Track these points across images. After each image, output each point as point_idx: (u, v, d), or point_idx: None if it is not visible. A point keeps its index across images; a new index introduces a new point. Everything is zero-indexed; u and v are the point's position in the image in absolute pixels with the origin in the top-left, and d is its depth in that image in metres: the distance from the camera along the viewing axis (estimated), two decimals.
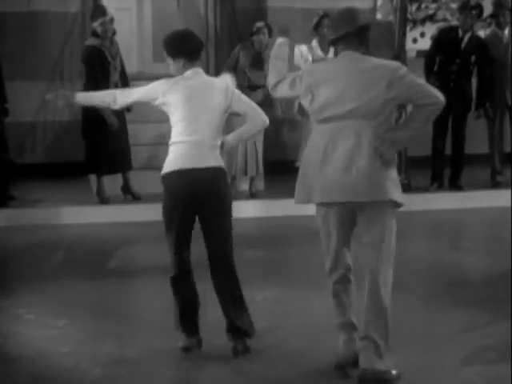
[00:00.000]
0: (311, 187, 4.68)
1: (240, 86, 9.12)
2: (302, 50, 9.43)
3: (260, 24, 9.10)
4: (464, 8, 9.74)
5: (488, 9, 10.83)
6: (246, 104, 5.17)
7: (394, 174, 4.66)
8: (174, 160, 5.01)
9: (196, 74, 5.11)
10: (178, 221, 5.00)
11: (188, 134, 4.99)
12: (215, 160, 5.05)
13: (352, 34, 4.73)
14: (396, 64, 4.78)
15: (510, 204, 9.14)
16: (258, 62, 9.10)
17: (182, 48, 5.10)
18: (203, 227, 5.09)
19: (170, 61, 5.15)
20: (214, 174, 5.03)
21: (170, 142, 5.08)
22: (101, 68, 8.68)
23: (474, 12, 9.60)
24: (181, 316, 5.15)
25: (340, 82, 4.68)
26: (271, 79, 4.92)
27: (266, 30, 9.04)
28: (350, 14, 4.82)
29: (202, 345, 5.16)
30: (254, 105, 5.21)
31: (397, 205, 4.71)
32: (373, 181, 4.56)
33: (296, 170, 4.98)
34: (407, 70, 4.69)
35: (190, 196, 4.96)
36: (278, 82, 4.88)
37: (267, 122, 5.20)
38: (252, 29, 9.14)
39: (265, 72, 9.08)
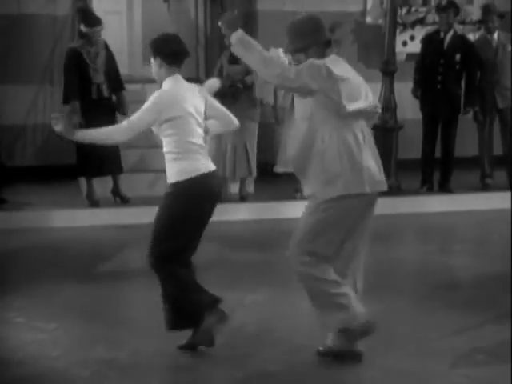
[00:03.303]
0: (357, 177, 4.85)
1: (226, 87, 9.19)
2: (278, 53, 9.43)
3: None
4: (439, 9, 9.85)
5: (477, 13, 10.87)
6: (218, 108, 5.29)
7: None
8: (196, 165, 5.04)
9: (176, 82, 5.12)
10: (194, 225, 5.14)
11: (193, 140, 5.07)
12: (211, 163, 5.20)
13: (326, 41, 4.94)
14: None
15: (499, 206, 9.19)
16: (234, 58, 9.11)
17: (164, 48, 5.10)
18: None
19: (151, 61, 5.17)
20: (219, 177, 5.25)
21: (177, 151, 5.06)
22: (78, 70, 8.68)
23: (448, 11, 9.65)
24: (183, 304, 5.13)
25: (356, 79, 4.88)
26: (275, 74, 4.79)
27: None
28: (318, 22, 4.96)
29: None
30: (225, 109, 5.33)
31: None
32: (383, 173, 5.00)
33: (278, 174, 5.10)
34: None
35: (214, 198, 5.15)
36: (289, 71, 4.79)
37: (237, 125, 5.36)
38: None
39: (242, 66, 9.01)
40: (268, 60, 4.83)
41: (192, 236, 5.12)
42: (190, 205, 5.02)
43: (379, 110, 5.12)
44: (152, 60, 5.15)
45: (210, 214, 5.15)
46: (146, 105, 5.04)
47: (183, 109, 5.02)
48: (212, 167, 5.14)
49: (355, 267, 5.04)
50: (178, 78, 5.15)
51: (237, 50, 4.90)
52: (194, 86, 5.24)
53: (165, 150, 5.10)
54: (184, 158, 5.03)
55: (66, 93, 8.79)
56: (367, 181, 4.87)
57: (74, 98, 8.69)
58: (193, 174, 5.02)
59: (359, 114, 4.84)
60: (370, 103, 4.91)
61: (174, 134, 5.03)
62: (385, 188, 5.04)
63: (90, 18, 8.82)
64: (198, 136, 5.09)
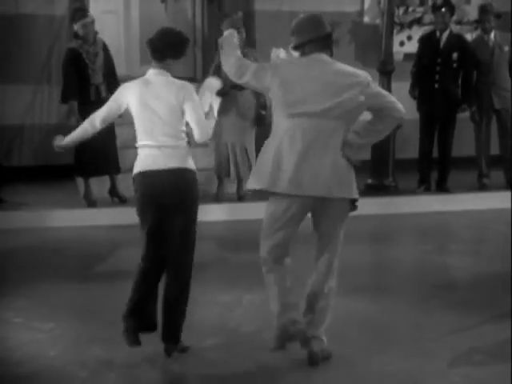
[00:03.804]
0: (279, 176, 4.85)
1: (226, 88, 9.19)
2: (279, 53, 9.44)
3: None
4: (434, 8, 9.87)
5: (474, 12, 10.88)
6: (192, 114, 5.09)
7: (354, 174, 5.00)
8: (139, 162, 5.14)
9: (156, 76, 5.10)
10: (147, 221, 5.12)
11: (148, 136, 5.08)
12: (178, 161, 5.05)
13: (321, 38, 4.96)
14: (365, 73, 5.01)
15: (497, 206, 9.20)
16: None
17: (150, 40, 5.11)
18: (165, 230, 5.11)
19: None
20: (177, 175, 5.04)
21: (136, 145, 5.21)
22: (77, 70, 8.68)
23: (443, 10, 9.65)
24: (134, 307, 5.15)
25: (316, 81, 4.89)
26: (230, 65, 5.01)
27: (243, 30, 9.13)
28: (317, 20, 5.04)
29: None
30: (202, 118, 5.13)
31: (354, 203, 5.03)
32: (342, 180, 4.90)
33: None
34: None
35: (154, 197, 5.06)
36: (241, 67, 4.99)
37: (203, 139, 5.20)
38: None
39: None
40: (232, 55, 5.04)
41: None
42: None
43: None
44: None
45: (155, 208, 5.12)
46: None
47: (134, 101, 5.11)
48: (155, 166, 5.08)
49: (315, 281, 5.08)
50: (161, 72, 5.10)
51: (221, 41, 5.11)
52: (173, 81, 5.12)
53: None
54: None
55: (64, 92, 8.78)
56: (279, 180, 4.85)
57: (72, 97, 8.69)
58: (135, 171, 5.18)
59: (304, 116, 4.85)
60: (337, 104, 4.85)
61: None
62: (316, 193, 4.88)
63: (75, 14, 8.82)
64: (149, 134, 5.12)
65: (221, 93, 9.64)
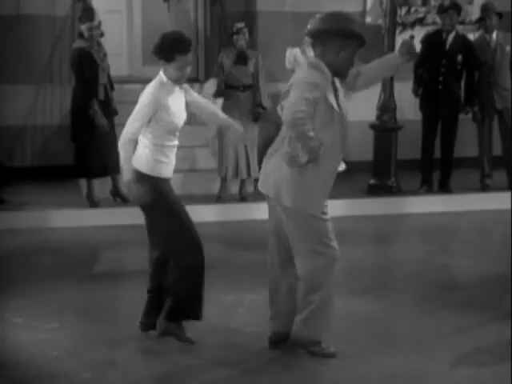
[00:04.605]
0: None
1: (228, 87, 9.19)
2: (294, 52, 9.49)
3: (240, 24, 9.17)
4: (441, 10, 9.84)
5: (477, 13, 10.86)
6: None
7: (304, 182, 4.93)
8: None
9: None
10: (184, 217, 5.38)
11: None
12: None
13: (331, 33, 4.90)
14: None
15: (499, 207, 9.18)
16: (241, 59, 9.15)
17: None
18: None
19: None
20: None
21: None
22: (89, 70, 8.66)
23: (450, 11, 9.64)
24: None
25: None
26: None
27: (246, 30, 9.15)
28: (341, 15, 5.03)
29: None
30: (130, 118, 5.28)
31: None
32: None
33: None
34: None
35: None
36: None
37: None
38: (232, 29, 9.22)
39: (248, 69, 9.13)
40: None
41: None
42: None
43: None
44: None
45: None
46: None
47: None
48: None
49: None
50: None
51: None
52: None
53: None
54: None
55: (83, 93, 8.67)
56: None
57: (94, 95, 8.64)
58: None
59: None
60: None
61: None
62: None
63: (83, 16, 8.81)
64: None
65: (217, 94, 9.68)
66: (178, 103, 5.27)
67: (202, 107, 5.51)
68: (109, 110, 8.81)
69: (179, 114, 5.27)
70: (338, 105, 4.92)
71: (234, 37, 9.15)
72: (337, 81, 5.01)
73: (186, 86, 5.38)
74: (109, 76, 8.98)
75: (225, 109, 9.24)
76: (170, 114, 5.19)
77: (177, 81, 5.22)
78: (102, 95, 8.73)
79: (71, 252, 7.82)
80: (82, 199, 9.05)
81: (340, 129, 4.93)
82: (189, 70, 5.24)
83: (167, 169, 5.29)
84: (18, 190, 9.41)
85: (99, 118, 8.54)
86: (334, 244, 5.01)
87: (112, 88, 9.03)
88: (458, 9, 9.71)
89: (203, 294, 5.28)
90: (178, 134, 5.31)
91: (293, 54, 9.48)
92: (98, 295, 6.47)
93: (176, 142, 5.32)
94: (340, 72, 4.99)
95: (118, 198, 9.11)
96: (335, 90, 4.96)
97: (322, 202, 4.99)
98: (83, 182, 9.10)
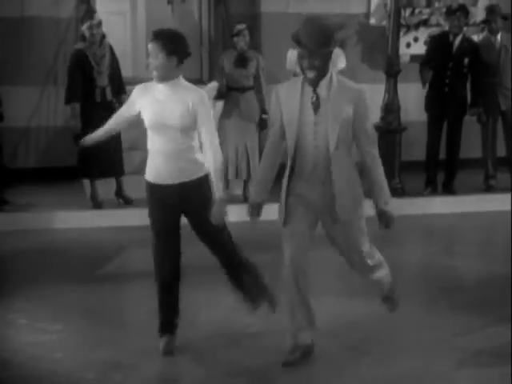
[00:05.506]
0: None
1: (229, 89, 9.18)
2: (295, 54, 9.47)
3: (241, 26, 9.16)
4: (449, 12, 9.84)
5: (481, 15, 10.86)
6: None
7: None
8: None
9: None
10: None
11: None
12: None
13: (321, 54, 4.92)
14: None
15: (503, 208, 9.16)
16: (241, 60, 9.14)
17: (185, 48, 5.15)
18: None
19: (161, 56, 5.11)
20: None
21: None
22: (82, 72, 8.67)
23: (458, 14, 9.64)
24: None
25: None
26: None
27: (246, 32, 9.13)
28: (327, 32, 4.90)
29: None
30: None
31: None
32: None
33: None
34: None
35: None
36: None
37: None
38: (233, 31, 9.22)
39: (248, 71, 9.13)
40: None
41: None
42: None
43: None
44: (163, 56, 4.98)
45: None
46: None
47: None
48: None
49: None
50: None
51: None
52: None
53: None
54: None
55: (67, 93, 8.77)
56: None
57: (75, 99, 8.68)
58: None
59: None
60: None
61: None
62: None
63: (84, 16, 8.84)
64: None
65: (218, 96, 9.68)
66: (166, 103, 5.04)
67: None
68: (109, 112, 8.78)
69: (160, 114, 5.03)
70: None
71: (235, 38, 9.14)
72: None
73: (202, 99, 5.09)
74: (119, 78, 8.95)
75: (225, 110, 9.27)
76: (147, 112, 5.07)
77: (151, 73, 5.04)
78: (98, 97, 8.73)
79: (75, 253, 7.83)
80: (86, 200, 9.05)
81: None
82: (151, 60, 4.98)
83: (151, 173, 5.20)
84: (22, 192, 9.41)
85: (74, 120, 8.56)
86: None
87: (121, 91, 8.96)
88: (465, 12, 9.71)
89: None
90: (169, 137, 5.06)
91: (294, 55, 9.47)
92: (102, 296, 6.47)
93: (167, 146, 5.08)
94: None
95: (122, 199, 9.11)
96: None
97: None
98: (87, 183, 9.11)
